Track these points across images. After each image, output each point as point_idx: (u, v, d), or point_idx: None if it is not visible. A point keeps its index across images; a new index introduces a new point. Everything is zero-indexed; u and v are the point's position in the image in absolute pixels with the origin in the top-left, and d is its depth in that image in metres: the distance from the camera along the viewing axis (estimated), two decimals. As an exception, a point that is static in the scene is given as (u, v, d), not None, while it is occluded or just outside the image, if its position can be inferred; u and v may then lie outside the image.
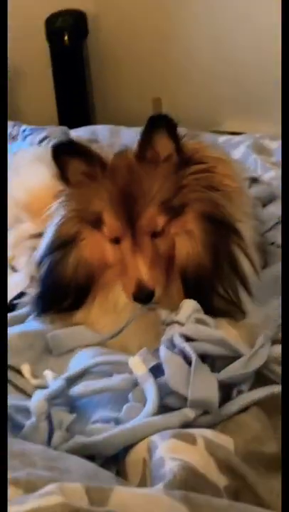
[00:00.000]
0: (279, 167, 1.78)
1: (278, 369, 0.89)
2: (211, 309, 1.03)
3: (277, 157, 1.87)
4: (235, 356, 0.89)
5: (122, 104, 3.33)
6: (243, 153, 1.93)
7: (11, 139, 2.18)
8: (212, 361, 0.90)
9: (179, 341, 0.89)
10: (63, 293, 1.10)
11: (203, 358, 0.89)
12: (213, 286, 1.05)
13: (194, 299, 1.03)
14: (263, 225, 1.42)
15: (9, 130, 2.16)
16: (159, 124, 1.02)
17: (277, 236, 1.36)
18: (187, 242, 1.06)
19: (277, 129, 2.08)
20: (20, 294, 1.24)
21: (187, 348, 0.87)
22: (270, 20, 2.73)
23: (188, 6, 3.04)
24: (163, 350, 0.89)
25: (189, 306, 0.99)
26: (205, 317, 0.99)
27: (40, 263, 1.15)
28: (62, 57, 3.21)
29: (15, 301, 1.23)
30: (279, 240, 1.35)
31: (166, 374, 0.86)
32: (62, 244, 1.10)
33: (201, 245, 1.05)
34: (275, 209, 1.50)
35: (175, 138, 1.04)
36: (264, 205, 1.57)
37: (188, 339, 0.90)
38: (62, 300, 1.11)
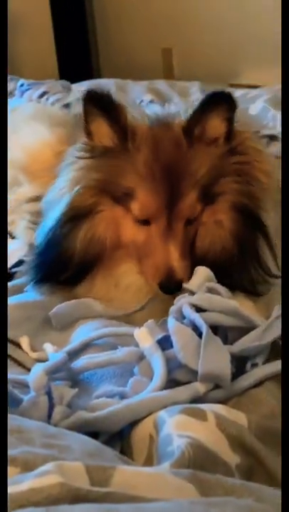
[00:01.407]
0: (301, 123, 1.74)
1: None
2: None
3: (299, 112, 1.82)
4: (249, 327, 0.88)
5: (129, 55, 3.26)
6: (260, 109, 1.89)
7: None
8: (224, 333, 0.89)
9: (189, 311, 0.88)
10: (64, 266, 1.08)
11: (215, 329, 0.88)
12: (231, 276, 1.04)
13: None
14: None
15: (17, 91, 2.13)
16: (220, 103, 1.00)
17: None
18: (213, 231, 1.05)
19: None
20: (19, 263, 1.23)
21: (197, 318, 0.86)
22: None
23: None
24: (171, 321, 0.88)
25: (202, 274, 0.98)
26: (217, 286, 0.98)
27: (47, 236, 1.11)
28: (63, 4, 3.15)
29: (13, 270, 1.22)
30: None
31: (174, 346, 0.85)
32: (74, 216, 1.05)
33: (230, 235, 1.05)
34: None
35: (230, 121, 1.03)
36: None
37: (198, 309, 0.89)
38: (62, 272, 1.09)
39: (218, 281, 0.99)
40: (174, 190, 1.00)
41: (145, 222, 1.03)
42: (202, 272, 1.00)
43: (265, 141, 1.63)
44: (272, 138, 1.66)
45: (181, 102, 1.81)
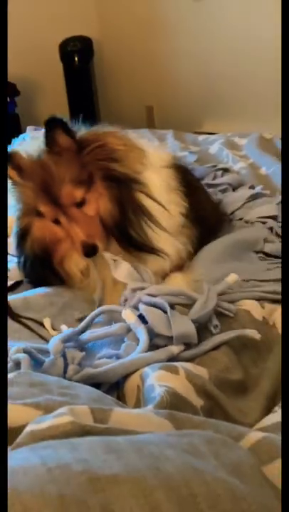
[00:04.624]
0: (246, 159, 1.75)
1: (228, 305, 0.89)
2: (131, 248, 1.04)
3: (245, 151, 1.83)
4: (191, 304, 0.88)
5: (121, 111, 3.26)
6: (217, 149, 1.89)
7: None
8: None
9: (148, 299, 0.88)
10: (41, 272, 1.09)
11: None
12: (126, 231, 1.05)
13: (118, 243, 1.04)
14: (233, 204, 1.40)
15: (32, 134, 2.11)
16: (54, 126, 1.01)
17: (245, 213, 1.37)
18: (102, 202, 1.05)
19: (244, 128, 2.04)
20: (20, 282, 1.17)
21: (159, 300, 0.86)
22: (239, 45, 2.67)
23: (175, 34, 2.97)
24: (141, 306, 0.87)
25: (124, 268, 1.01)
26: (138, 284, 0.97)
27: (19, 257, 1.13)
28: (73, 75, 3.19)
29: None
30: (246, 216, 1.34)
31: (149, 322, 0.84)
32: (23, 235, 1.10)
33: (109, 200, 1.05)
34: (243, 192, 1.49)
35: (70, 133, 1.03)
36: (234, 189, 1.55)
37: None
38: (46, 278, 1.10)
39: (123, 241, 1.01)
40: (54, 193, 1.03)
41: (57, 222, 1.05)
42: (123, 267, 1.02)
43: (220, 173, 1.64)
44: (225, 170, 1.67)
45: (159, 144, 1.80)
